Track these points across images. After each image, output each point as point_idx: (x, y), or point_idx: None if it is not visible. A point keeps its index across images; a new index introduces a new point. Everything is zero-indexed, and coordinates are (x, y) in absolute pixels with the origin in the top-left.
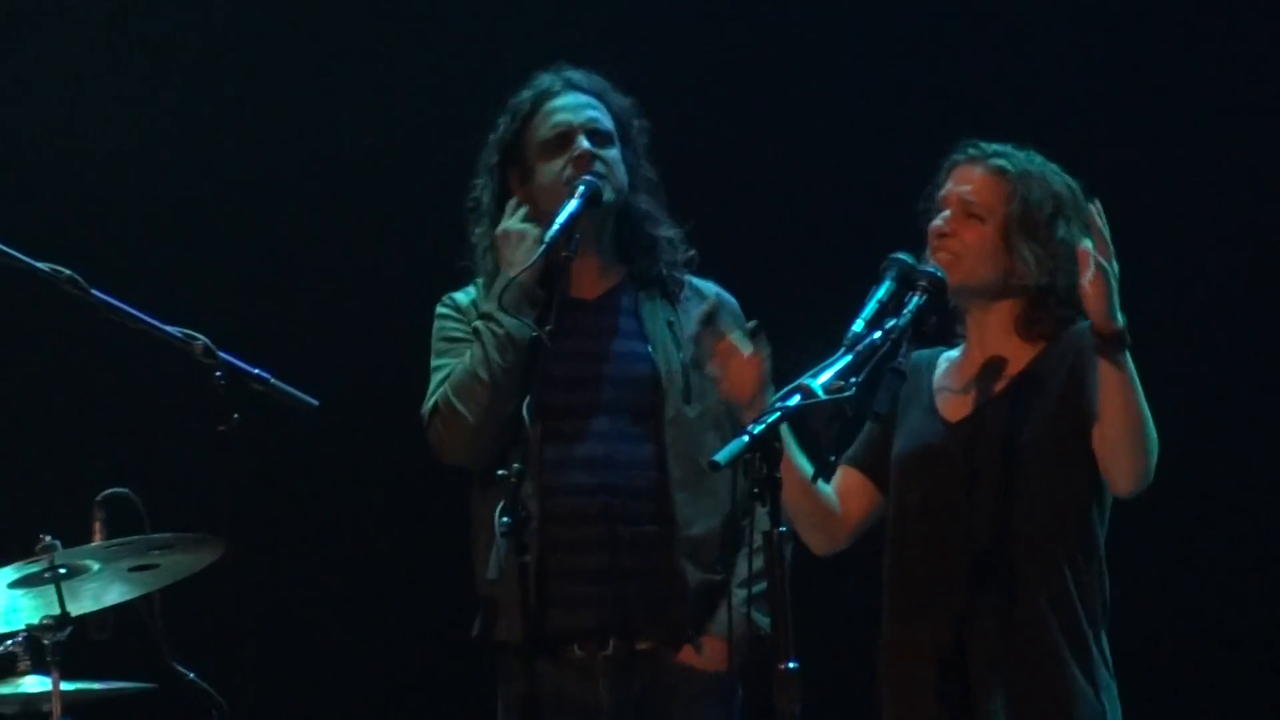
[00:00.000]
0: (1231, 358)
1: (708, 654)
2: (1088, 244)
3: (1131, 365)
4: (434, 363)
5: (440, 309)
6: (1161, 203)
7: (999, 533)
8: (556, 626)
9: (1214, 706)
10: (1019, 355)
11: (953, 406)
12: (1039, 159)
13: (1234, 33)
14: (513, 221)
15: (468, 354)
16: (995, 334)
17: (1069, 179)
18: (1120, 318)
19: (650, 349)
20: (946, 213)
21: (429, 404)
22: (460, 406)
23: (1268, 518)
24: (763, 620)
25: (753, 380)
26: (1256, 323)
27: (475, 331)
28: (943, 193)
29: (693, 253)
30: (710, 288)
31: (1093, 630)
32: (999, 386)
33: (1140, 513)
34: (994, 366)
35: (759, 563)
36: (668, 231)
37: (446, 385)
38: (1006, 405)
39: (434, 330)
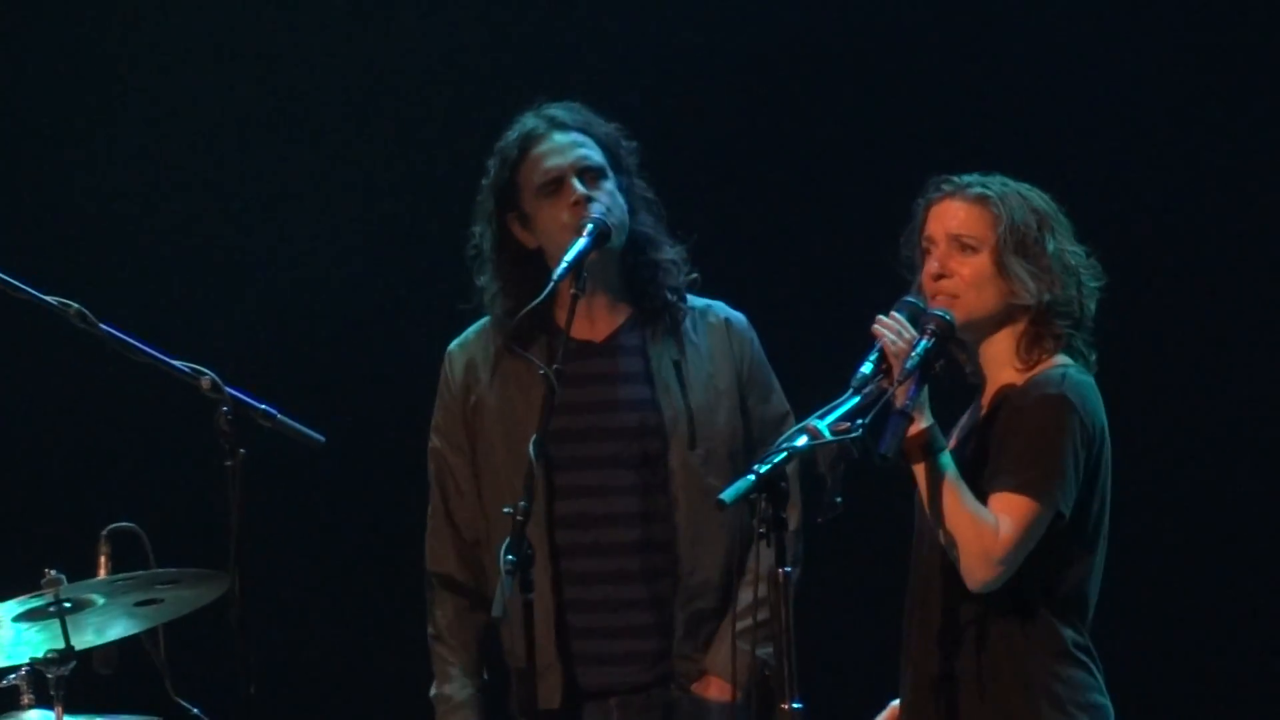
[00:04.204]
0: (1229, 358)
1: (713, 690)
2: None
3: (949, 467)
4: (431, 440)
5: (443, 371)
6: (1158, 204)
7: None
8: (588, 684)
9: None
10: (1014, 382)
11: (953, 440)
12: (1010, 181)
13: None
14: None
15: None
16: (999, 364)
17: (1043, 194)
18: (926, 418)
19: (654, 394)
20: (935, 252)
21: (427, 558)
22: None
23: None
24: (764, 652)
25: None
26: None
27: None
28: (927, 233)
29: (694, 275)
30: (720, 311)
31: (1058, 657)
32: (981, 416)
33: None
34: (992, 397)
35: (759, 594)
36: (669, 254)
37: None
38: (977, 435)
39: (438, 394)
